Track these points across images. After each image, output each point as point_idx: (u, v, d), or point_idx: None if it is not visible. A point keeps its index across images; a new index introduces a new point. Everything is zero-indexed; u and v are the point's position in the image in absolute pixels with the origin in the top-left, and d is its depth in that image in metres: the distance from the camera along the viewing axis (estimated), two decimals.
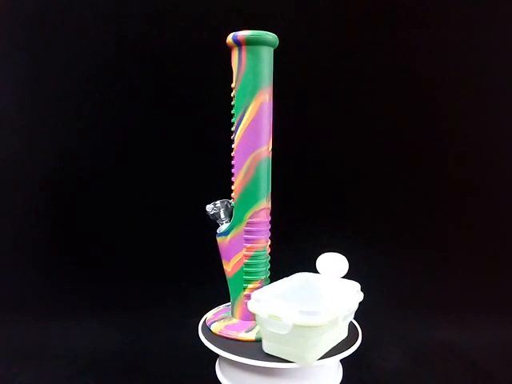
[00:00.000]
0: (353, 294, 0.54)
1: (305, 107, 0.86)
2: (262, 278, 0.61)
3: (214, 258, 0.64)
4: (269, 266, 0.62)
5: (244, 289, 0.60)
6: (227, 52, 0.58)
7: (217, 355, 0.60)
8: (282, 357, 0.51)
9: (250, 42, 0.55)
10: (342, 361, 0.59)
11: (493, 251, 0.87)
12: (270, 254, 0.62)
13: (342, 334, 0.56)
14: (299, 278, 0.59)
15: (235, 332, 0.57)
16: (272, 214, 0.61)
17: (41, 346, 0.71)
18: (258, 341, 0.54)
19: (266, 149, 0.58)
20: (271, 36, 0.56)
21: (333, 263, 0.58)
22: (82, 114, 0.88)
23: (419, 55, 0.85)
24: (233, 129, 0.59)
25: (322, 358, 0.51)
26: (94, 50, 0.85)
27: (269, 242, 0.61)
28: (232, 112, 0.59)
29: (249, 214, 0.58)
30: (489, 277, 0.86)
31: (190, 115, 0.87)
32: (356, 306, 0.54)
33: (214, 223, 0.68)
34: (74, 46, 0.85)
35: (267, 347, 0.52)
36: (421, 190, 0.88)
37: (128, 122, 0.88)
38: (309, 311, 0.47)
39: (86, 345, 0.72)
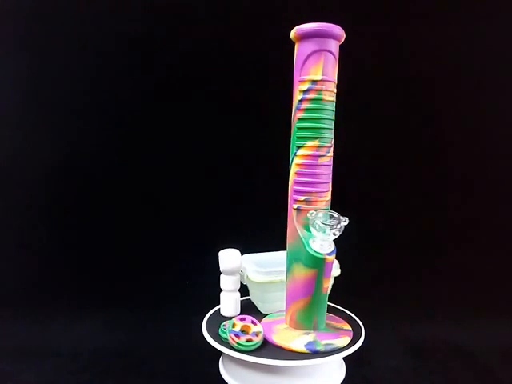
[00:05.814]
0: None
1: None
2: None
3: (215, 257, 0.65)
4: None
5: None
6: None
7: (220, 353, 0.60)
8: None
9: None
10: (344, 359, 0.59)
11: (493, 250, 0.87)
12: None
13: None
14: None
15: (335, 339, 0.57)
16: None
17: (43, 344, 0.72)
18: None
19: None
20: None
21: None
22: (84, 114, 0.88)
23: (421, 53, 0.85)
24: None
25: (324, 356, 0.52)
26: (95, 48, 0.85)
27: None
28: None
29: None
30: (489, 276, 0.86)
31: (192, 113, 0.88)
32: None
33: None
34: (75, 45, 0.85)
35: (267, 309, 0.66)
36: (421, 189, 0.88)
37: (129, 121, 0.88)
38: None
39: (88, 342, 0.72)
